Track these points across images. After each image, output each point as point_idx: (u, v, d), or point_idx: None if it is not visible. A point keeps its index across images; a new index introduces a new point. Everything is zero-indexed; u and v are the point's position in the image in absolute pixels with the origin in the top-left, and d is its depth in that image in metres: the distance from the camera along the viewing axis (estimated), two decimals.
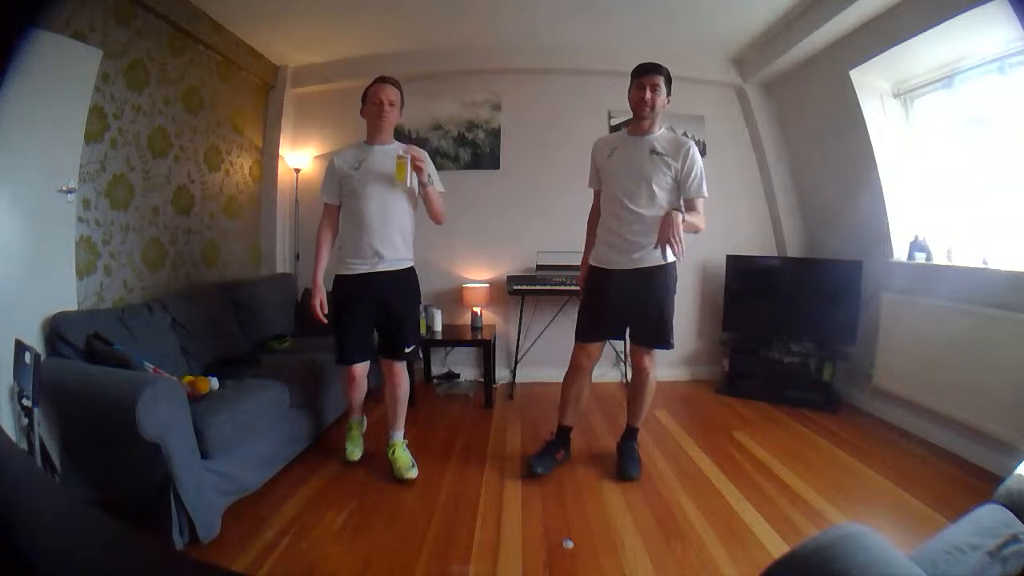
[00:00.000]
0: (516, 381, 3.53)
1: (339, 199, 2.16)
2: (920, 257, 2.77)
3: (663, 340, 2.16)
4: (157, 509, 1.64)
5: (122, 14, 2.34)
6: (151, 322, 2.27)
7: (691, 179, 2.04)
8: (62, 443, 1.82)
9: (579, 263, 2.40)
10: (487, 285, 3.60)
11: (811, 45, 2.94)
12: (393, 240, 2.13)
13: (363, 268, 2.12)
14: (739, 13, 2.95)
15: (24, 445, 1.66)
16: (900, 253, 2.90)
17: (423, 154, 2.10)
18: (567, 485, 2.16)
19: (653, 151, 2.05)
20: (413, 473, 2.19)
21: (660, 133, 2.11)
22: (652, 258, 2.06)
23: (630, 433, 2.37)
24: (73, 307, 2.07)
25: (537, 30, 3.25)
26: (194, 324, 2.46)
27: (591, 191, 2.32)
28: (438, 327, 3.35)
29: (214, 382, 2.12)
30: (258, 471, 2.04)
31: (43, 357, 1.77)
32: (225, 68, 3.20)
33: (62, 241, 2.06)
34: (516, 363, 3.53)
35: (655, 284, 2.11)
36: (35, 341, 1.84)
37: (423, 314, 3.11)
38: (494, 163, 3.73)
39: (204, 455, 1.79)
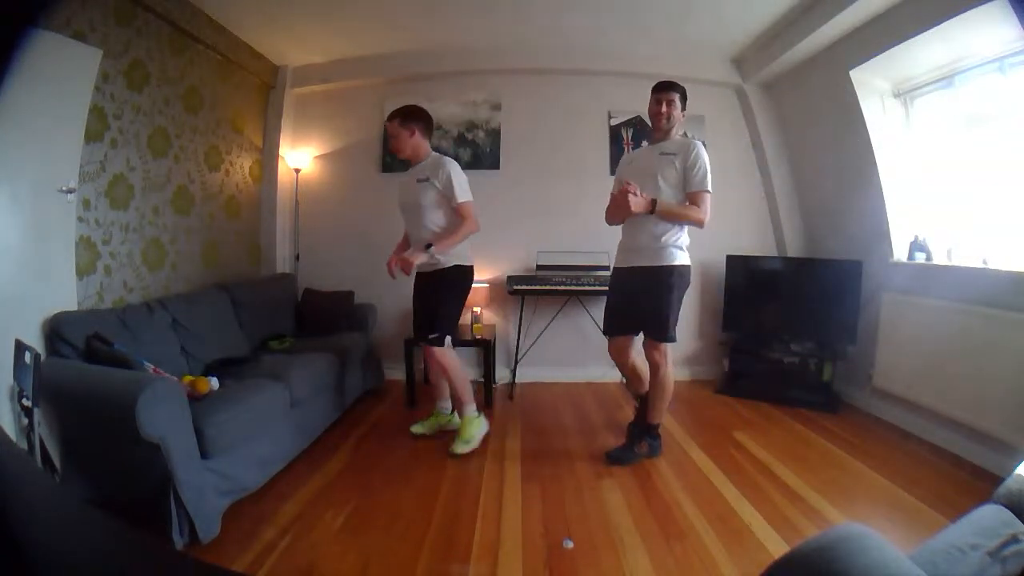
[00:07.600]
0: (516, 381, 3.53)
1: None
2: (920, 257, 2.76)
3: (662, 332, 2.28)
4: (157, 509, 1.64)
5: (122, 14, 2.34)
6: (151, 322, 2.27)
7: (694, 172, 2.19)
8: (62, 443, 1.82)
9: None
10: (487, 285, 3.59)
11: (811, 45, 2.94)
12: None
13: None
14: (739, 13, 2.95)
15: (24, 445, 1.66)
16: (900, 253, 2.89)
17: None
18: (567, 485, 2.16)
19: (663, 153, 2.25)
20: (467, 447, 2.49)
21: (673, 139, 2.29)
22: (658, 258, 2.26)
23: (637, 424, 2.47)
24: (73, 307, 2.07)
25: (537, 30, 3.25)
26: (194, 324, 2.46)
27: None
28: None
29: (214, 382, 2.12)
30: (258, 471, 2.04)
31: (43, 357, 1.77)
32: (225, 68, 3.19)
33: (62, 241, 2.07)
34: (516, 363, 3.53)
35: (655, 282, 2.29)
36: (35, 341, 1.84)
37: None
38: (494, 163, 3.72)
39: (204, 455, 1.79)
